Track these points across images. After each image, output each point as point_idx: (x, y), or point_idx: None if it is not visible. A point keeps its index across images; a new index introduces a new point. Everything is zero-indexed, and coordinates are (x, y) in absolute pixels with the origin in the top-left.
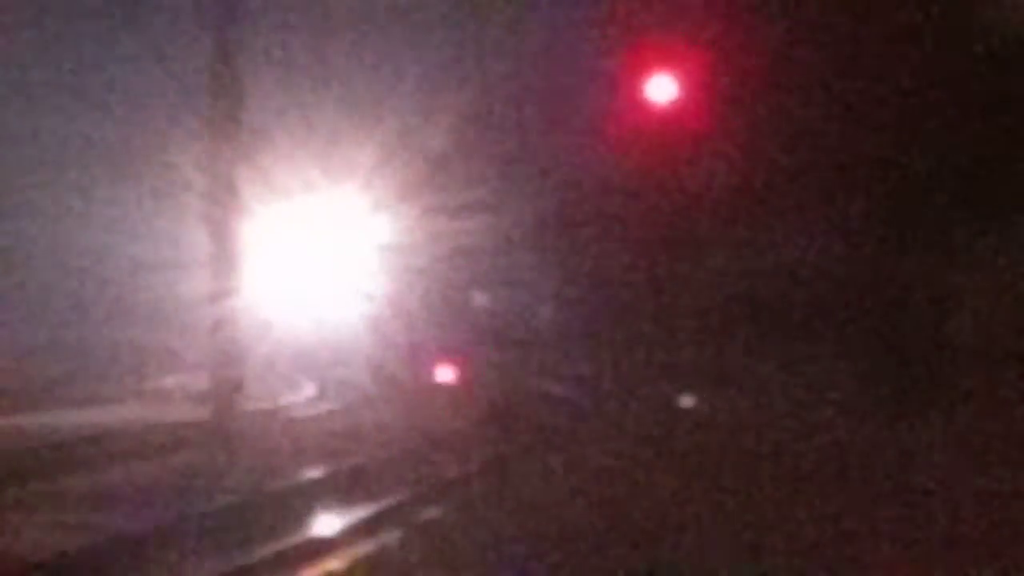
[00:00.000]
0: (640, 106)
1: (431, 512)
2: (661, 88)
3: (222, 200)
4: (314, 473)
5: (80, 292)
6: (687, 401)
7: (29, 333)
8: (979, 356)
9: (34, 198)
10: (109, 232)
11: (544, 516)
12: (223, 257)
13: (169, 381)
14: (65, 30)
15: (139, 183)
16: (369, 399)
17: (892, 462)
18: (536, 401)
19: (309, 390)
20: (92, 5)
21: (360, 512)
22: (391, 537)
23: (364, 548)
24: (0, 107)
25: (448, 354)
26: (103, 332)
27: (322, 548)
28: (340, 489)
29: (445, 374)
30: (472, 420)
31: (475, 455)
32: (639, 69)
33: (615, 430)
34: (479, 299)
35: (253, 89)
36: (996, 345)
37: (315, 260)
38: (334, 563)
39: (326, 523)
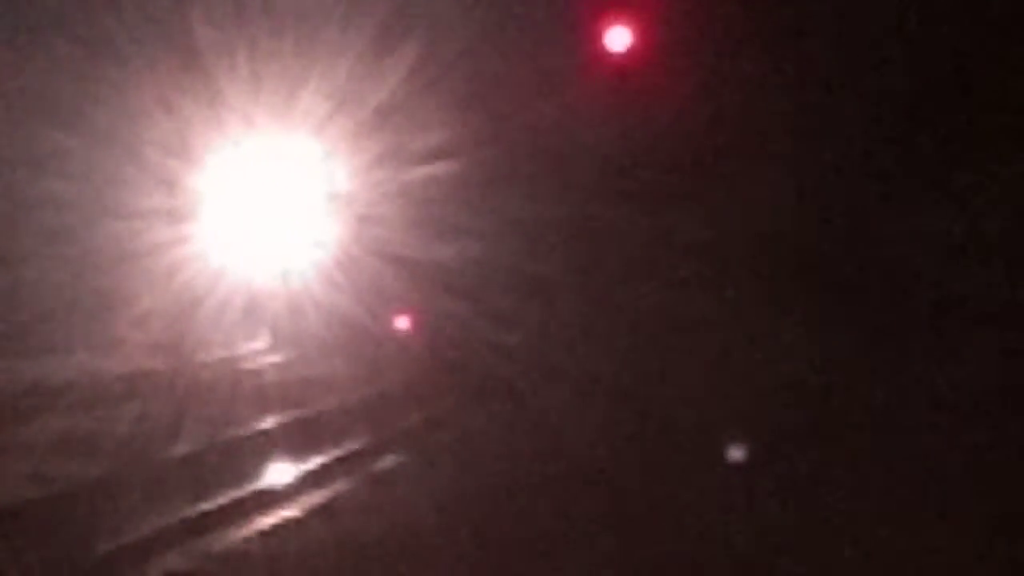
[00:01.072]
0: (597, 55)
1: (385, 462)
2: (618, 37)
3: (173, 147)
4: (267, 423)
5: (35, 240)
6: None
7: None
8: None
9: None
10: (64, 180)
11: (498, 463)
12: (175, 205)
13: (124, 330)
14: None
15: (94, 133)
16: (322, 349)
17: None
18: (490, 351)
19: (263, 340)
20: None
21: (313, 462)
22: (344, 486)
23: (317, 497)
24: None
25: (402, 304)
26: (57, 280)
27: (276, 497)
28: (293, 439)
29: (402, 324)
30: (426, 370)
31: (430, 405)
32: (597, 17)
33: (574, 380)
34: (434, 247)
35: (205, 37)
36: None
37: (268, 209)
38: (288, 512)
39: (280, 472)
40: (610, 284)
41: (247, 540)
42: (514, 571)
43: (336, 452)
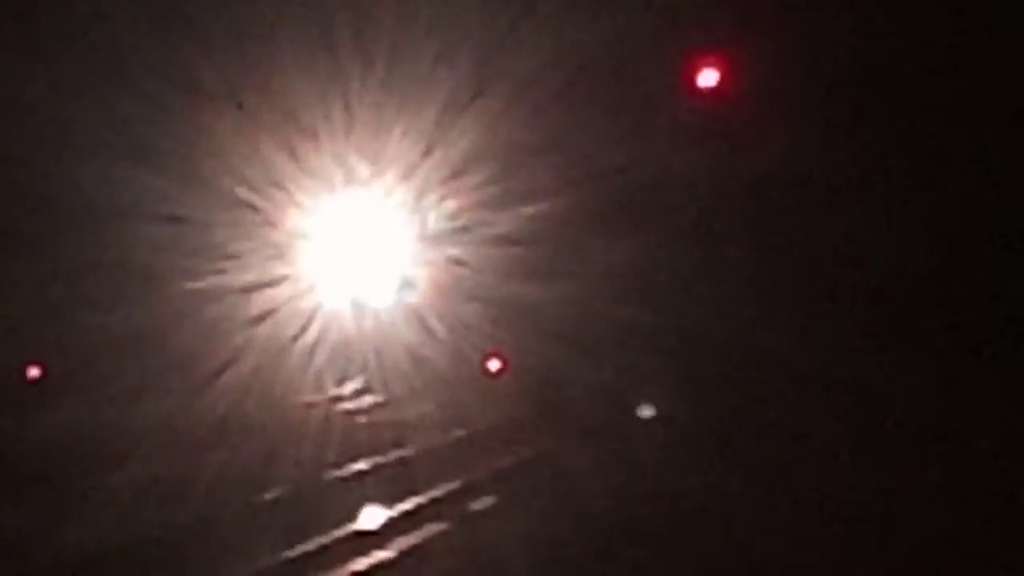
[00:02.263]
0: (685, 93)
1: (478, 503)
2: (707, 77)
3: (267, 190)
4: (361, 465)
5: (130, 282)
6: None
7: (61, 324)
8: None
9: (73, 188)
10: (158, 222)
11: (592, 504)
12: (269, 247)
13: (216, 371)
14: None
15: (188, 175)
16: (415, 391)
17: None
18: (585, 393)
19: (356, 382)
20: None
21: (408, 503)
22: (437, 528)
23: (412, 539)
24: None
25: (495, 346)
26: (150, 322)
27: (371, 539)
28: (388, 481)
29: (493, 365)
30: (520, 412)
31: (523, 445)
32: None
33: (671, 421)
34: (527, 289)
35: (295, 79)
36: None
37: (360, 251)
38: (383, 553)
39: (375, 514)
40: (703, 324)
41: None
42: None
43: (431, 493)
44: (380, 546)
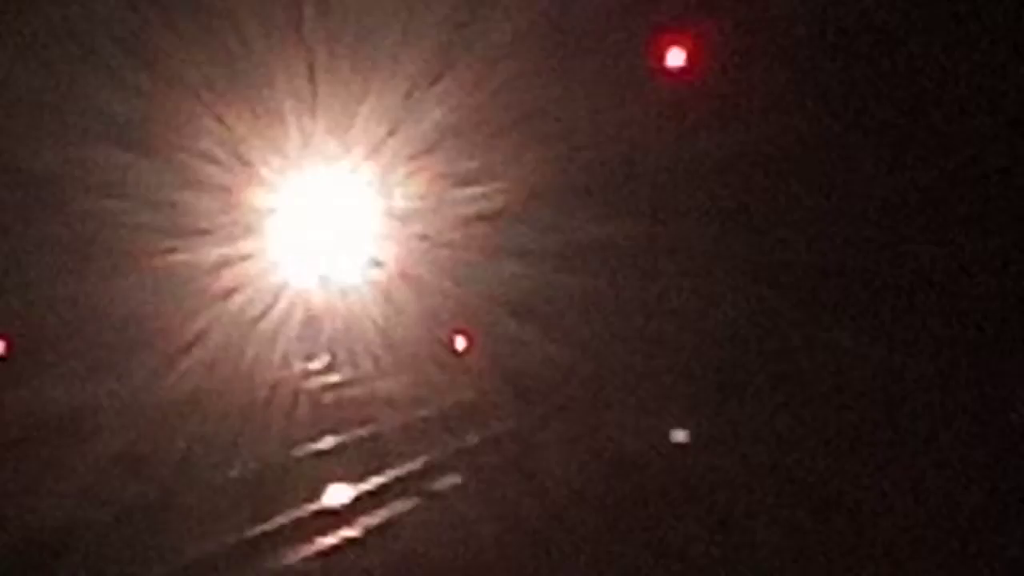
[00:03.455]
0: (652, 73)
1: (444, 482)
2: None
3: (234, 167)
4: (326, 443)
5: (93, 259)
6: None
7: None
8: None
9: (39, 165)
10: (121, 198)
11: (560, 485)
12: (236, 224)
13: (182, 349)
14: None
15: (152, 150)
16: (382, 368)
17: None
18: (552, 372)
19: (322, 359)
20: None
21: (372, 482)
22: (403, 506)
23: (376, 518)
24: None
25: (463, 323)
26: (114, 299)
27: (336, 517)
28: (353, 459)
29: (459, 343)
30: (486, 390)
31: (491, 423)
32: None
33: (634, 402)
34: (495, 267)
35: (261, 55)
36: None
37: (326, 227)
38: (352, 530)
39: (340, 492)
40: (673, 301)
41: (306, 560)
42: None
43: (395, 472)
44: (345, 525)
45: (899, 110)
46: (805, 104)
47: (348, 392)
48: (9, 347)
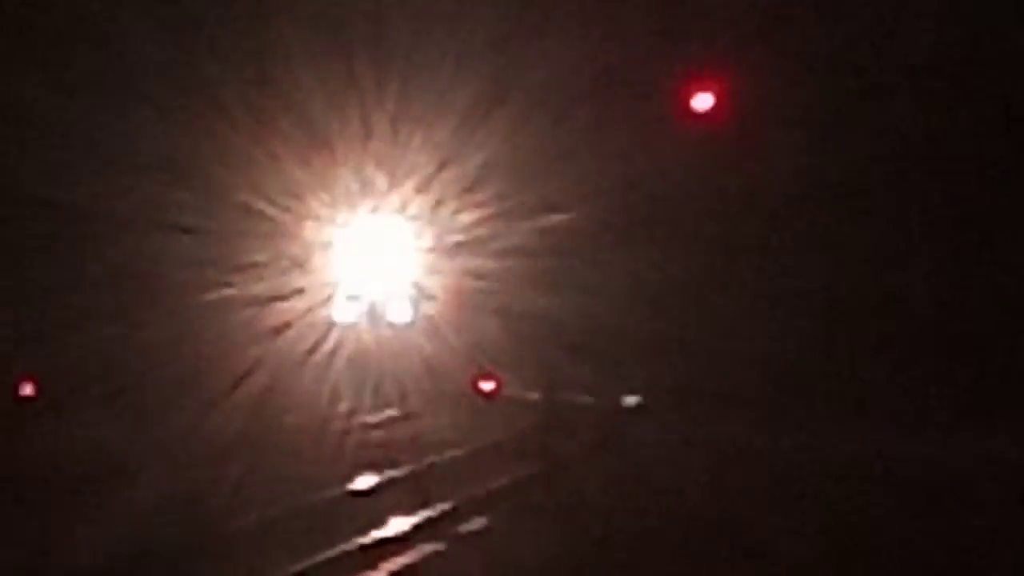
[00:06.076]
0: (683, 114)
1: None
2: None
3: (283, 201)
4: (367, 483)
5: (137, 291)
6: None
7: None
8: None
9: (86, 198)
10: (168, 233)
11: (592, 524)
12: (286, 258)
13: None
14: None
15: (198, 186)
16: (430, 405)
17: None
18: (583, 411)
19: (369, 396)
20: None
21: (404, 523)
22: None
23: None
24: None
25: (510, 359)
26: (164, 337)
27: (381, 550)
28: (391, 498)
29: (488, 384)
30: (534, 425)
31: (535, 460)
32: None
33: (686, 438)
34: (542, 301)
35: (311, 88)
36: None
37: (377, 262)
38: (392, 565)
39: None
40: (720, 336)
41: None
42: None
43: (428, 512)
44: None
45: (919, 148)
46: (832, 138)
47: (395, 431)
48: (38, 388)
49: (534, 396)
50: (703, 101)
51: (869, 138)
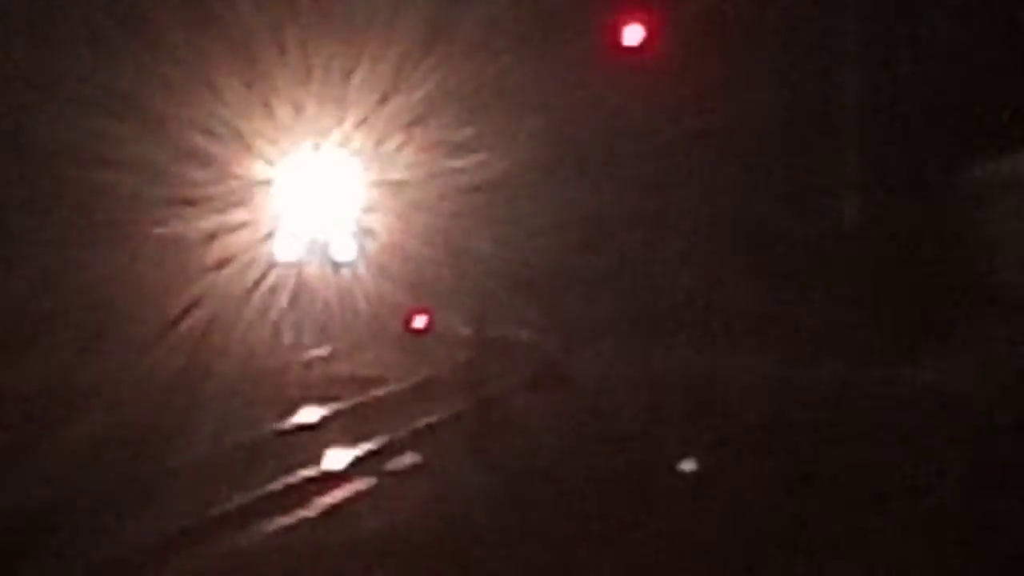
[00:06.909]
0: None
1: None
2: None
3: (225, 138)
4: (309, 416)
5: (79, 227)
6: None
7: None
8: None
9: (28, 134)
10: (114, 169)
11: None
12: (227, 195)
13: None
14: None
15: (145, 121)
16: (371, 339)
17: None
18: (519, 349)
19: (310, 333)
20: None
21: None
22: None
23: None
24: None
25: (449, 294)
26: (103, 272)
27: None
28: (334, 432)
29: (419, 321)
30: (474, 359)
31: (474, 392)
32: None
33: (625, 372)
34: (481, 237)
35: (252, 25)
36: None
37: (318, 198)
38: (327, 499)
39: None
40: (653, 272)
41: (266, 538)
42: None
43: (368, 446)
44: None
45: (852, 76)
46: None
47: (335, 365)
48: None
49: (467, 332)
50: (634, 35)
51: (800, 70)
